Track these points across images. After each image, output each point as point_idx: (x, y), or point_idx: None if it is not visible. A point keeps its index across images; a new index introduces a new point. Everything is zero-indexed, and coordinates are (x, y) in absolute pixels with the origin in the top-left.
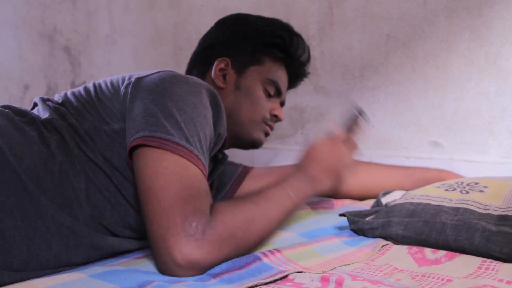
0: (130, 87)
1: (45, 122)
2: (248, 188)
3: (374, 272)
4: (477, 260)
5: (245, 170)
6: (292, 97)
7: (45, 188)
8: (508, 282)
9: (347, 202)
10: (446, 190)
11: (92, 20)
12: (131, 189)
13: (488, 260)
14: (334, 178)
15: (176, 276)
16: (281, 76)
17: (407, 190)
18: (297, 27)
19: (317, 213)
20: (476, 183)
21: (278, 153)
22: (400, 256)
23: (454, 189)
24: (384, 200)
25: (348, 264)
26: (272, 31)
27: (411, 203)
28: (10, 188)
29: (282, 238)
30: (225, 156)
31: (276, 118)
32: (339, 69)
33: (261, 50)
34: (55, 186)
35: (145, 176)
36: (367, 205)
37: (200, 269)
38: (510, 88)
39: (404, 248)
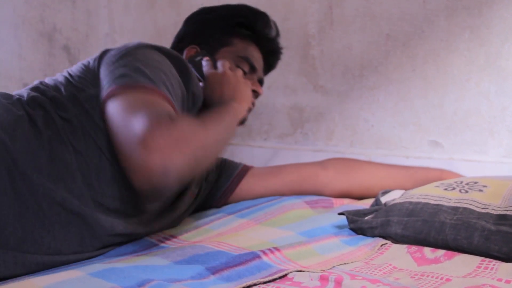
0: (98, 57)
1: (29, 100)
2: (248, 186)
3: (373, 271)
4: (476, 260)
5: (245, 169)
6: (292, 96)
7: (38, 165)
8: (507, 281)
9: (346, 201)
10: (445, 189)
11: (92, 19)
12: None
13: (487, 260)
14: (243, 97)
15: (143, 164)
16: (252, 53)
17: (407, 190)
18: (297, 26)
19: (316, 212)
20: (476, 183)
21: (277, 152)
22: (399, 255)
23: (453, 188)
24: (383, 199)
25: (347, 263)
26: (235, 12)
27: (410, 202)
28: (2, 166)
29: (281, 236)
30: None
31: (254, 93)
32: (339, 69)
33: (227, 32)
34: (48, 162)
35: (113, 113)
36: (366, 204)
37: (164, 159)
38: (510, 88)
39: (403, 247)
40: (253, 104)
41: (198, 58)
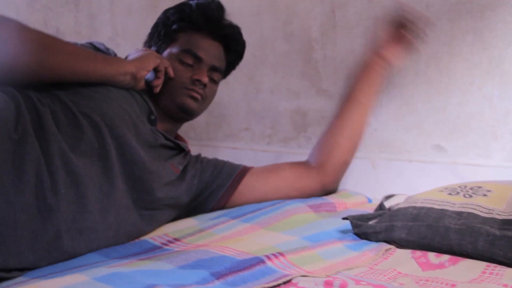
0: None
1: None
2: (249, 184)
3: (377, 276)
4: (481, 265)
5: (245, 169)
6: (295, 100)
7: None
8: None
9: (349, 205)
10: (450, 194)
11: (94, 22)
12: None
13: (492, 265)
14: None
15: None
16: (196, 42)
17: None
18: (299, 30)
19: (319, 216)
20: (480, 187)
21: (281, 156)
22: (404, 260)
23: (458, 193)
24: (387, 203)
25: (352, 268)
26: (174, 11)
27: (414, 207)
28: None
29: (285, 241)
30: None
31: (198, 82)
32: (342, 72)
33: (170, 30)
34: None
35: None
36: (370, 208)
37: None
38: None
39: (407, 252)
40: (196, 92)
41: None
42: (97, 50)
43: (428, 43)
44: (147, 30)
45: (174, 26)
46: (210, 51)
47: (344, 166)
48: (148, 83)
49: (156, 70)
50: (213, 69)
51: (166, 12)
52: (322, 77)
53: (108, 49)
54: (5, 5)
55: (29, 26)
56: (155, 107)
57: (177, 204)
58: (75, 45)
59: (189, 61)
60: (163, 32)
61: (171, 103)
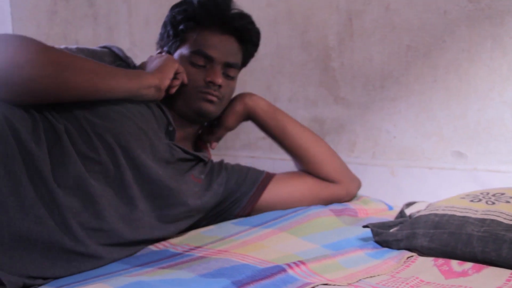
0: None
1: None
2: (274, 191)
3: (400, 284)
4: (505, 272)
5: (269, 175)
6: (312, 108)
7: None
8: None
9: (370, 211)
10: (471, 201)
11: (113, 34)
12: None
13: None
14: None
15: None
16: (206, 41)
17: None
18: (316, 39)
19: (341, 221)
20: (502, 194)
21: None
22: (426, 268)
23: (480, 200)
24: (408, 211)
25: (374, 276)
26: (178, 9)
27: (436, 214)
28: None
29: (305, 250)
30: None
31: (212, 84)
32: (359, 80)
33: (177, 30)
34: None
35: None
36: (390, 216)
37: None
38: None
39: (429, 260)
40: (211, 94)
41: None
42: (115, 56)
43: (446, 50)
44: None
45: (181, 27)
46: (221, 47)
47: (342, 166)
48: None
49: (175, 73)
50: (227, 65)
51: (172, 10)
52: (340, 85)
53: (127, 57)
54: (27, 19)
55: (48, 46)
56: (172, 113)
57: (201, 212)
58: (95, 62)
59: (201, 62)
60: (172, 32)
61: (187, 109)
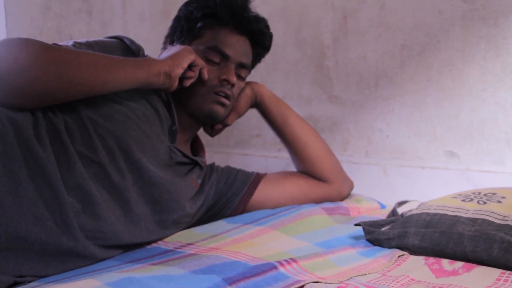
0: None
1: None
2: (265, 191)
3: (390, 283)
4: (495, 272)
5: (259, 176)
6: (306, 106)
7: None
8: None
9: (362, 210)
10: (463, 200)
11: (107, 30)
12: None
13: (507, 272)
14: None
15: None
16: (224, 39)
17: None
18: (311, 37)
19: (333, 220)
20: (494, 194)
21: (292, 163)
22: (417, 267)
23: (471, 200)
24: (400, 210)
25: (365, 275)
26: (197, 5)
27: (428, 214)
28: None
29: (297, 247)
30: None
31: (226, 82)
32: (353, 79)
33: (194, 25)
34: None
35: None
36: (382, 214)
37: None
38: None
39: (420, 259)
40: (224, 95)
41: None
42: (125, 47)
43: (440, 50)
44: (159, 37)
45: (200, 24)
46: (237, 47)
47: (336, 166)
48: (179, 79)
49: (191, 65)
50: (240, 66)
51: (188, 5)
52: (334, 83)
53: (139, 48)
54: (20, 14)
55: (51, 45)
56: (181, 112)
57: (196, 216)
58: (100, 55)
59: (216, 59)
60: (187, 27)
61: (198, 110)
